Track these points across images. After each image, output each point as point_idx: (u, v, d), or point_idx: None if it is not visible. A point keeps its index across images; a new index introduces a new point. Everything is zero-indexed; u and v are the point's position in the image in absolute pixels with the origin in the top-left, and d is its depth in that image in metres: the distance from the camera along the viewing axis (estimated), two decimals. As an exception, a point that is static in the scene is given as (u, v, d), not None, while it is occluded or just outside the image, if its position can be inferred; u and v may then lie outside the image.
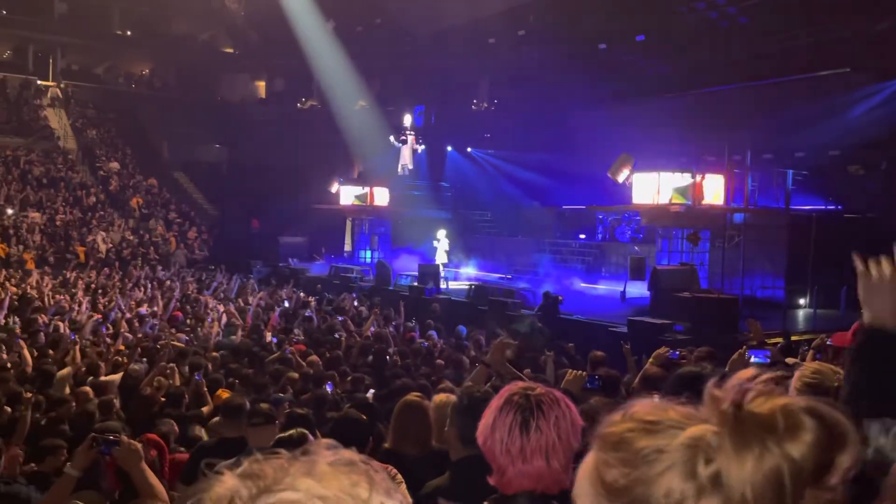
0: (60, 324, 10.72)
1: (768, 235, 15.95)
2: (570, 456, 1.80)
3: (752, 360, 5.46)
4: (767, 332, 12.20)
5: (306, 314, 13.00)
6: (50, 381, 7.17)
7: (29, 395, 5.84)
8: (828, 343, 6.68)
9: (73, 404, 6.44)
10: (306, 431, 3.84)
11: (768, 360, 5.47)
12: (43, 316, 11.60)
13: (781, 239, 15.92)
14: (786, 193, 16.04)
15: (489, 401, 2.90)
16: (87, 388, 7.06)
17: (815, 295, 15.11)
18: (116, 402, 6.40)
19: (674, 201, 14.91)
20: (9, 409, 5.61)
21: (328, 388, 6.80)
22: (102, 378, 7.56)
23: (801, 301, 15.71)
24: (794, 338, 10.65)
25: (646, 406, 0.84)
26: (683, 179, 14.92)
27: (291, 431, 3.81)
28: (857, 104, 17.32)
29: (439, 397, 3.86)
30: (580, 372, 4.86)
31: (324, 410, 6.05)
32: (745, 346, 6.10)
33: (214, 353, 9.29)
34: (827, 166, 17.79)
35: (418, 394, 3.78)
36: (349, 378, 7.51)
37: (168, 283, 18.32)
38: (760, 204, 15.88)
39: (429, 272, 17.84)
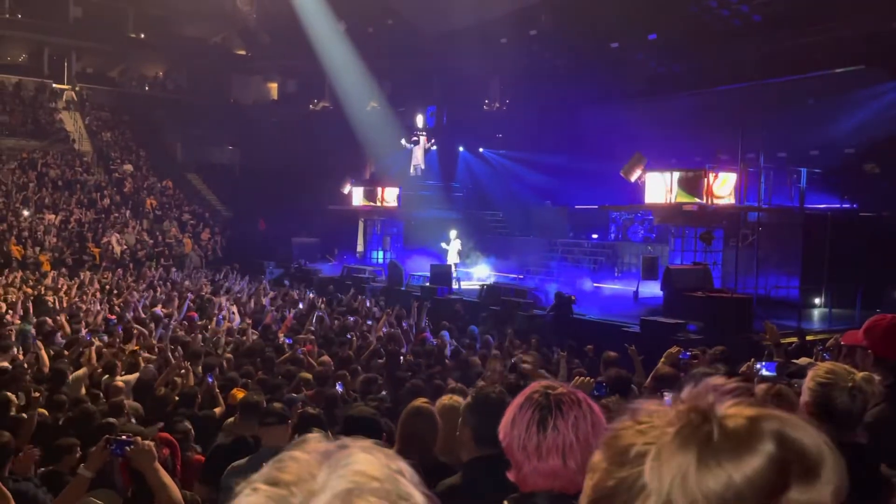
0: (69, 325, 10.82)
1: (783, 234, 15.83)
2: (589, 457, 1.80)
3: (763, 371, 5.40)
4: (782, 332, 12.13)
5: (317, 314, 13.04)
6: (63, 381, 7.22)
7: (37, 394, 5.89)
8: (841, 343, 6.63)
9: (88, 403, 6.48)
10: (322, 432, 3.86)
11: (775, 372, 5.42)
12: (60, 318, 11.70)
13: (796, 238, 15.80)
14: (800, 192, 15.92)
15: (503, 401, 2.90)
16: (120, 383, 7.14)
17: (830, 294, 14.99)
18: (127, 402, 6.43)
19: (678, 199, 14.83)
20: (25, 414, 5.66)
21: (338, 388, 6.81)
22: (119, 378, 7.61)
23: (817, 300, 15.59)
24: (808, 337, 10.58)
25: (648, 406, 0.84)
26: (692, 176, 14.83)
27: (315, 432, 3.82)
28: (872, 102, 17.17)
29: (444, 400, 3.86)
30: (588, 378, 4.86)
31: (334, 410, 6.06)
32: (752, 359, 6.08)
33: (228, 355, 9.34)
34: (842, 165, 17.64)
35: (426, 400, 3.78)
36: (360, 378, 7.52)
37: (187, 283, 18.47)
38: (774, 203, 15.75)
39: (441, 273, 17.86)
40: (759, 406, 0.78)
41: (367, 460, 0.75)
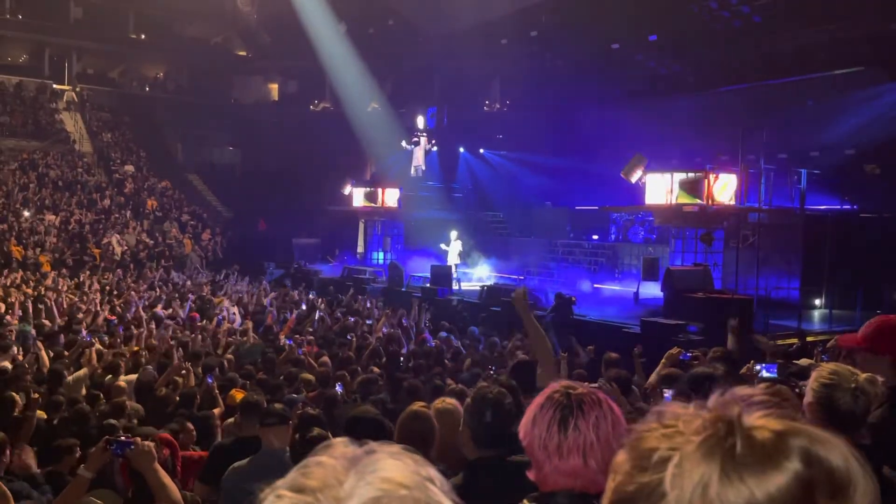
0: (68, 326, 10.82)
1: (783, 235, 15.82)
2: (610, 457, 1.80)
3: (764, 373, 5.37)
4: (783, 333, 12.13)
5: (317, 315, 13.03)
6: (60, 382, 7.22)
7: (37, 395, 5.88)
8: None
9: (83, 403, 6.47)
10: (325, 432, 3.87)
11: (776, 373, 5.40)
12: (59, 320, 11.69)
13: (796, 239, 15.80)
14: (800, 193, 15.91)
15: (501, 402, 2.89)
16: (122, 384, 7.15)
17: (830, 295, 14.98)
18: (129, 403, 6.43)
19: (680, 200, 14.82)
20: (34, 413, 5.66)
21: (338, 389, 6.80)
22: (122, 378, 7.61)
23: (817, 301, 15.58)
24: (809, 338, 10.56)
25: (674, 409, 0.82)
26: (693, 177, 14.82)
27: (317, 431, 3.85)
28: (872, 103, 17.17)
29: (437, 404, 3.84)
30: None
31: (334, 411, 6.05)
32: (752, 360, 6.06)
33: (229, 356, 9.33)
34: (842, 166, 17.64)
35: (423, 404, 3.76)
36: (359, 379, 7.50)
37: (189, 283, 18.48)
38: (775, 204, 15.75)
39: (441, 273, 17.85)
40: (789, 420, 0.75)
41: (396, 467, 0.73)
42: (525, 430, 1.87)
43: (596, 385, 4.94)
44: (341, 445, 0.77)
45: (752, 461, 0.71)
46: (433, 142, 26.19)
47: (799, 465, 0.71)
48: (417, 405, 3.65)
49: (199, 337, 10.52)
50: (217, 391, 7.07)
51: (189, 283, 18.75)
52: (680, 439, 0.76)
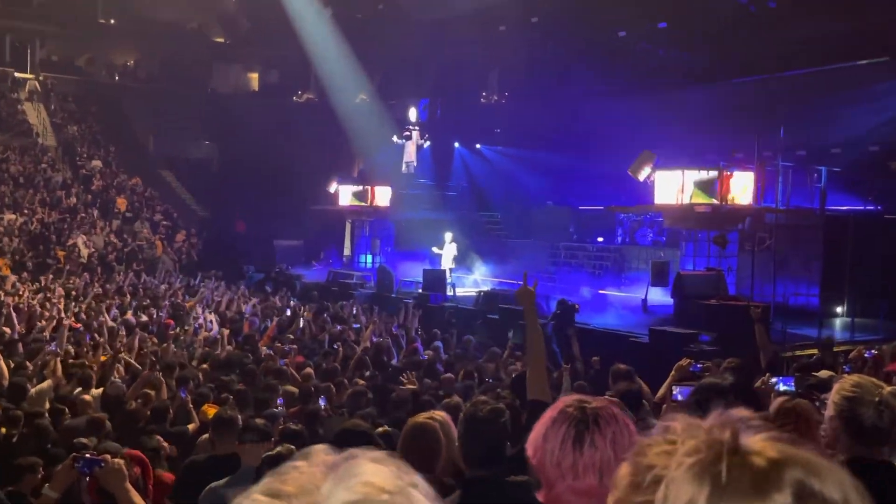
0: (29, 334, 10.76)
1: (802, 238, 15.86)
2: None
3: (781, 386, 5.38)
4: (802, 343, 12.15)
5: (301, 323, 13.02)
6: (23, 396, 7.19)
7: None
8: (865, 356, 6.68)
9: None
10: (293, 447, 3.88)
11: (794, 386, 5.41)
12: (20, 327, 11.63)
13: (816, 242, 15.83)
14: (820, 192, 15.97)
15: (493, 420, 2.89)
16: (88, 397, 7.14)
17: (852, 302, 15.02)
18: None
19: (695, 199, 14.83)
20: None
21: (322, 403, 6.79)
22: (93, 392, 7.58)
23: (838, 309, 15.62)
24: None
25: (681, 423, 0.84)
26: (706, 175, 14.85)
27: (279, 448, 3.87)
28: (898, 96, 17.25)
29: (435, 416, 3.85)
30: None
31: (315, 426, 6.04)
32: (768, 374, 6.08)
33: (205, 366, 9.31)
34: (865, 163, 17.71)
35: (428, 415, 3.77)
36: (349, 392, 7.50)
37: (164, 287, 18.42)
38: (793, 204, 15.80)
39: (434, 278, 17.83)
40: (788, 446, 0.76)
41: (378, 471, 0.74)
42: (535, 446, 1.85)
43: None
44: (322, 452, 0.78)
45: (741, 490, 0.72)
46: (426, 136, 26.23)
47: (790, 499, 0.72)
48: (422, 417, 3.65)
49: (172, 346, 10.49)
50: (191, 405, 7.06)
51: (163, 288, 18.70)
52: (676, 459, 0.78)
